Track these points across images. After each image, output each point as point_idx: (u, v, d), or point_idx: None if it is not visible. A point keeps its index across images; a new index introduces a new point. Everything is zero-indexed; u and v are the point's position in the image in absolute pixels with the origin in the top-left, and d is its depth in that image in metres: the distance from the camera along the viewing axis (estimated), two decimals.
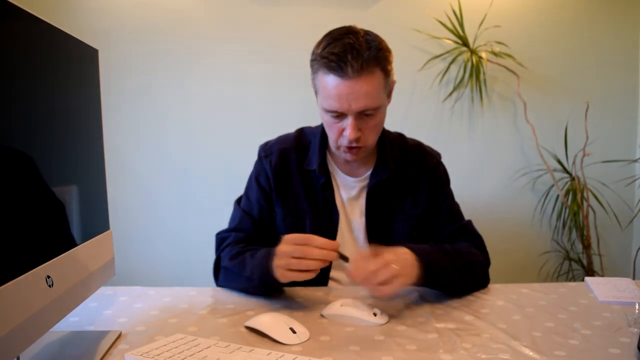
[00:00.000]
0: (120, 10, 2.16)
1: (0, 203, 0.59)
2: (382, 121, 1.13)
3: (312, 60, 1.08)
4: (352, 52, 1.00)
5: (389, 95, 1.12)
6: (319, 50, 1.05)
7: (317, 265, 0.93)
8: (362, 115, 1.06)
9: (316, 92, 1.11)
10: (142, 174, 2.24)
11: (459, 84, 2.20)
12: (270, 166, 1.21)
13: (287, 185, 1.21)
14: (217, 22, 2.19)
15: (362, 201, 1.20)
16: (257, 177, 1.23)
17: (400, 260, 0.95)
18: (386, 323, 0.92)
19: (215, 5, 2.18)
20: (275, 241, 1.25)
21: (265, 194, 1.22)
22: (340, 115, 1.07)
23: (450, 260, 1.04)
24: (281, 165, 1.21)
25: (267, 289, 1.04)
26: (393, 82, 1.12)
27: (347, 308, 0.93)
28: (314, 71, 1.08)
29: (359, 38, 1.02)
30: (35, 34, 0.69)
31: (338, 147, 1.13)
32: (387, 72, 1.06)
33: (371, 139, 1.12)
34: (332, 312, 0.95)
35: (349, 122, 1.06)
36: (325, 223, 1.19)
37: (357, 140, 1.08)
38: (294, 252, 0.93)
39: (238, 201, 1.27)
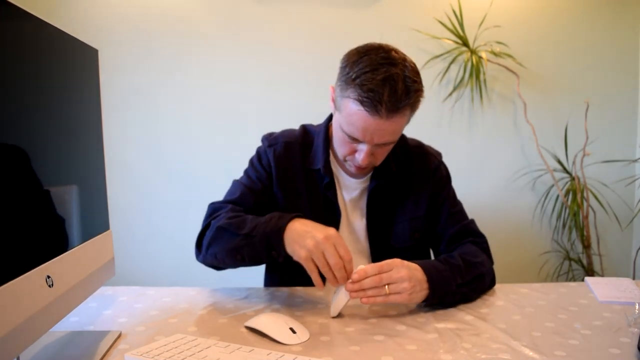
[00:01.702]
0: (120, 10, 2.16)
1: (1, 203, 0.59)
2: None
3: (344, 81, 1.01)
4: (389, 93, 0.95)
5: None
6: (353, 74, 0.98)
7: (320, 284, 0.94)
8: (380, 144, 1.05)
9: (336, 106, 1.06)
10: (142, 174, 2.24)
11: (459, 84, 2.20)
12: (273, 155, 1.20)
13: (288, 178, 1.19)
14: (216, 22, 2.19)
15: (364, 202, 1.20)
16: (260, 160, 1.21)
17: (413, 279, 0.94)
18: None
19: (214, 4, 2.18)
20: None
21: (268, 176, 1.19)
22: (357, 140, 1.04)
23: (460, 277, 1.02)
24: (285, 156, 1.20)
25: (265, 250, 0.99)
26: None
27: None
28: (342, 90, 1.02)
29: (398, 74, 0.96)
30: (35, 34, 0.69)
31: (345, 160, 1.12)
32: (415, 109, 1.04)
33: (380, 161, 1.12)
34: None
35: (364, 149, 1.04)
36: (326, 223, 1.18)
37: (367, 165, 1.08)
38: (333, 256, 0.92)
39: (236, 181, 1.23)
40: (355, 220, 1.20)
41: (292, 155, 1.20)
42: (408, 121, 1.06)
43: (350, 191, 1.20)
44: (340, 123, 1.06)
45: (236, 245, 1.02)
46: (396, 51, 1.02)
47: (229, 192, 1.21)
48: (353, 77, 0.98)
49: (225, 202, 1.17)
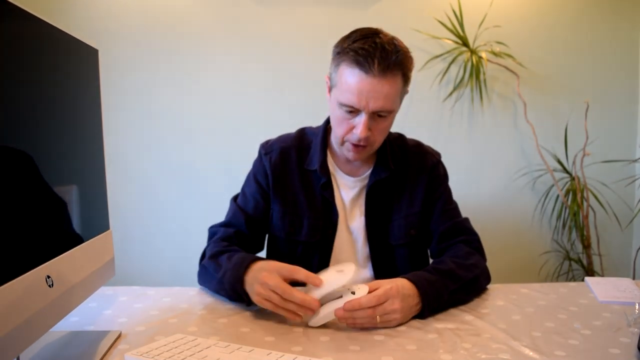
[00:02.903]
0: (120, 10, 2.16)
1: (0, 203, 0.59)
2: (391, 125, 1.13)
3: (337, 53, 1.07)
4: (381, 51, 1.01)
5: (400, 102, 1.12)
6: (346, 44, 1.05)
7: (292, 316, 0.90)
8: (375, 116, 1.06)
9: (331, 86, 1.10)
10: (142, 173, 2.24)
11: (459, 84, 2.20)
12: (269, 163, 1.21)
13: (285, 184, 1.20)
14: (217, 22, 2.19)
15: (362, 200, 1.20)
16: (256, 175, 1.23)
17: (405, 309, 0.92)
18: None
19: (215, 5, 2.18)
20: (268, 241, 1.25)
21: (262, 191, 1.22)
22: (354, 112, 1.06)
23: (452, 282, 1.00)
24: (281, 163, 1.21)
25: (237, 297, 1.00)
26: (406, 91, 1.12)
27: (327, 306, 0.90)
28: (336, 64, 1.07)
29: (388, 40, 1.04)
30: (35, 34, 0.69)
31: (343, 143, 1.12)
32: (406, 79, 1.08)
33: (378, 141, 1.12)
34: (318, 318, 0.90)
35: (362, 120, 1.05)
36: (324, 223, 1.19)
37: (365, 139, 1.08)
38: (276, 288, 0.90)
39: (234, 198, 1.27)
40: (354, 219, 1.21)
41: (288, 161, 1.21)
42: (402, 93, 1.09)
43: (348, 190, 1.21)
44: (336, 98, 1.07)
45: (215, 287, 1.07)
46: (383, 30, 1.08)
47: (227, 213, 1.25)
48: (345, 46, 1.05)
49: (220, 225, 1.21)
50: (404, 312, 0.92)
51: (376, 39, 1.03)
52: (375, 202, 1.19)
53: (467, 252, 1.12)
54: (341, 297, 0.90)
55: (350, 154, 1.13)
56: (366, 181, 1.20)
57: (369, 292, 0.91)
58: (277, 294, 0.90)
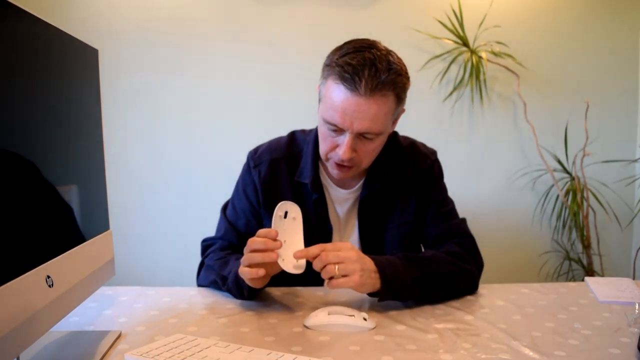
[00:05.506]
0: (120, 10, 2.16)
1: (0, 203, 0.59)
2: (380, 147, 1.07)
3: (326, 65, 1.01)
4: (370, 69, 0.95)
5: (394, 122, 1.08)
6: (336, 57, 0.99)
7: (269, 255, 0.90)
8: (361, 137, 1.01)
9: (320, 99, 1.05)
10: (142, 174, 2.24)
11: (459, 84, 2.20)
12: (258, 177, 1.17)
13: (276, 197, 1.15)
14: (217, 22, 2.19)
15: (356, 213, 1.17)
16: (245, 188, 1.19)
17: (364, 264, 0.94)
18: (374, 328, 0.89)
19: (215, 5, 2.19)
20: None
21: (252, 208, 1.18)
22: (338, 130, 1.01)
23: (418, 271, 0.99)
24: (270, 176, 1.17)
25: (237, 290, 1.01)
26: (402, 110, 1.07)
27: (334, 316, 0.89)
28: (324, 76, 1.02)
29: (380, 55, 0.97)
30: (35, 34, 0.69)
31: (327, 160, 1.08)
32: (400, 99, 1.02)
33: (364, 163, 1.07)
34: (316, 322, 0.90)
35: (345, 140, 1.00)
36: (318, 237, 1.15)
37: (349, 160, 1.03)
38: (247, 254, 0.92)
39: (224, 208, 1.23)
40: (348, 232, 1.18)
41: (278, 173, 1.17)
42: (394, 115, 1.04)
43: (342, 203, 1.18)
44: (322, 115, 1.03)
45: (218, 282, 1.07)
46: (380, 43, 1.03)
47: (218, 227, 1.22)
48: (335, 59, 0.99)
49: (214, 238, 1.20)
50: (360, 263, 0.93)
51: (367, 53, 0.96)
52: (369, 214, 1.16)
53: (453, 251, 1.08)
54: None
55: (334, 172, 1.09)
56: (359, 192, 1.16)
57: None
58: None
